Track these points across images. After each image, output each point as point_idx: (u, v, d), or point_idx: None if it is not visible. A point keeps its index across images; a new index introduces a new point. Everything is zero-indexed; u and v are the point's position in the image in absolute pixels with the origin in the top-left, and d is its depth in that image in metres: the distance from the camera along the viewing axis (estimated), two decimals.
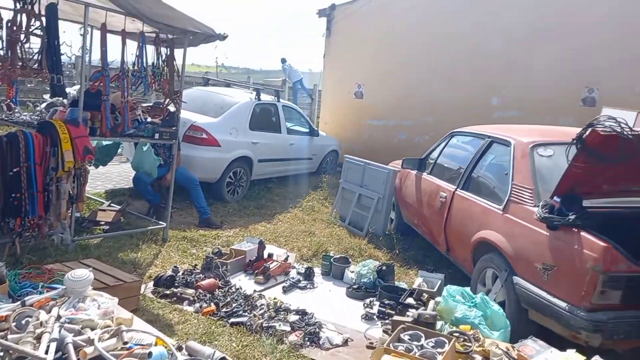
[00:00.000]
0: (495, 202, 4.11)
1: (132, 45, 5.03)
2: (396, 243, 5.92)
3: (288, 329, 3.73)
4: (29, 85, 7.09)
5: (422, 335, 2.15)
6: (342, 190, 7.15)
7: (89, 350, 2.37)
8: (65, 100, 5.86)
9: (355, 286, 4.65)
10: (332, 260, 5.07)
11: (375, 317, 4.10)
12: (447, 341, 2.09)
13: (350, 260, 5.18)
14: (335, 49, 11.28)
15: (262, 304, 4.08)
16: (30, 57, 4.62)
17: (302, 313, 3.99)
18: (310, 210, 7.45)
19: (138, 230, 5.48)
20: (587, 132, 3.10)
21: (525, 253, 3.52)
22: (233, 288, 4.35)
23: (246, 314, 3.91)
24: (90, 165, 5.05)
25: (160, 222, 5.67)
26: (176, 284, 4.25)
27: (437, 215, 5.02)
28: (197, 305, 3.98)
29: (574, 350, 2.64)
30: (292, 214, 7.16)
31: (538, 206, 3.54)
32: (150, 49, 5.18)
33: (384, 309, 4.13)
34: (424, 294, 4.24)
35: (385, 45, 10.36)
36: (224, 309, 3.93)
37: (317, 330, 3.72)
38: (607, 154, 3.11)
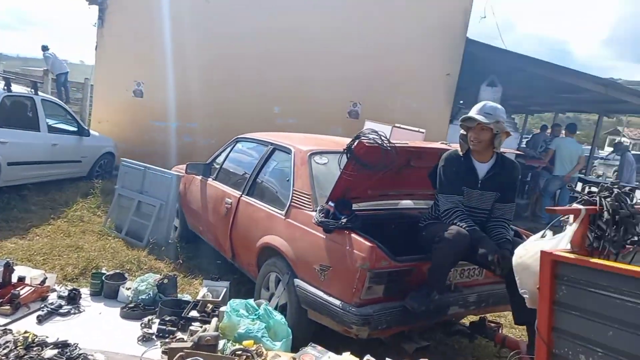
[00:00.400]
0: (278, 207, 4.22)
1: None
2: (180, 252, 5.59)
3: None
4: None
5: None
6: (118, 197, 6.43)
7: None
8: None
9: (131, 305, 4.17)
10: (103, 277, 4.46)
11: (154, 336, 3.73)
12: None
13: (126, 276, 4.64)
14: (109, 42, 10.15)
15: (6, 342, 3.30)
16: None
17: (63, 345, 3.36)
18: (78, 220, 6.48)
19: None
20: (355, 143, 3.41)
21: (305, 256, 3.68)
22: None
23: None
24: None
25: None
26: None
27: (223, 222, 4.91)
28: None
29: (349, 352, 2.83)
30: (55, 226, 6.12)
31: (316, 211, 3.75)
32: None
33: (164, 327, 3.79)
34: (209, 304, 4.07)
35: (164, 42, 9.81)
36: None
37: None
38: (371, 162, 3.47)
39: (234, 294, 4.40)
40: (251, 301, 2.99)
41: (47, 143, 7.31)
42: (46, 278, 4.34)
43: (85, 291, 4.39)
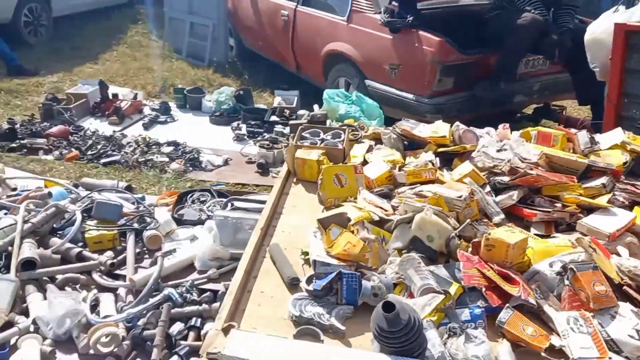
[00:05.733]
0: (338, 13, 4.35)
1: None
2: (242, 69, 5.94)
3: (166, 159, 3.76)
4: None
5: (320, 131, 2.46)
6: (169, 20, 6.56)
7: None
8: None
9: (217, 113, 4.71)
10: (185, 92, 4.94)
11: (245, 137, 4.33)
12: (342, 132, 2.44)
13: (203, 90, 5.11)
14: None
15: (129, 142, 3.95)
16: None
17: (175, 144, 4.00)
18: (138, 45, 6.77)
19: None
20: None
21: (373, 57, 3.96)
22: (88, 132, 4.05)
23: (116, 153, 3.76)
24: None
25: None
26: (19, 136, 3.77)
27: (282, 35, 5.10)
28: (56, 152, 3.66)
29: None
30: (119, 52, 6.47)
31: (379, 13, 3.90)
32: None
33: (252, 129, 4.37)
34: (285, 110, 4.56)
35: None
36: (90, 152, 3.71)
37: (196, 156, 3.82)
38: None
39: (303, 103, 4.84)
40: (342, 90, 3.40)
41: None
42: (137, 94, 4.86)
43: (171, 105, 4.92)
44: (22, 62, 5.46)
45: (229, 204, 2.31)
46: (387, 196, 1.98)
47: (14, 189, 2.36)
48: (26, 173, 2.68)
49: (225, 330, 1.29)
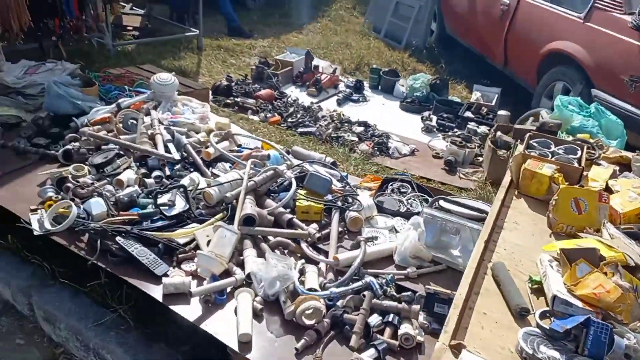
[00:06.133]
0: (575, 9, 3.83)
1: None
2: (439, 56, 5.71)
3: (356, 139, 3.78)
4: None
5: (551, 142, 2.17)
6: None
7: (210, 150, 2.37)
8: None
9: (408, 100, 4.61)
10: (380, 73, 4.92)
11: (435, 129, 4.15)
12: (577, 148, 2.12)
13: (399, 73, 5.03)
14: None
15: (323, 115, 4.07)
16: None
17: (365, 125, 4.01)
18: (340, 20, 6.97)
19: (172, 37, 5.12)
20: None
21: (610, 65, 3.42)
22: (290, 99, 4.28)
23: (311, 124, 3.91)
24: None
25: (193, 30, 5.26)
26: (234, 94, 4.14)
27: (497, 25, 4.73)
28: (262, 114, 3.94)
29: None
30: (322, 24, 6.72)
31: (631, 14, 3.32)
32: None
33: (443, 122, 4.17)
34: (483, 107, 4.25)
35: None
36: (290, 119, 3.91)
37: (385, 140, 3.77)
38: None
39: (503, 102, 4.46)
40: (578, 98, 3.01)
41: None
42: (336, 69, 4.98)
43: (365, 84, 4.94)
44: (241, 24, 5.99)
45: (435, 203, 2.19)
46: (637, 237, 1.67)
47: (239, 145, 2.56)
48: (242, 131, 2.90)
49: (455, 348, 1.19)
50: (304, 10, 7.22)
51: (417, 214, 2.12)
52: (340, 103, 4.49)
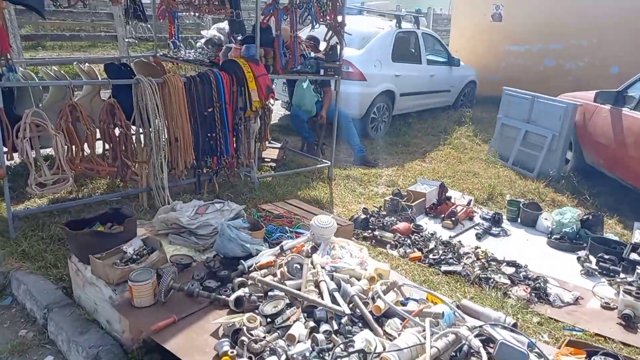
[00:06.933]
0: None
1: None
2: (580, 187, 5.34)
3: (507, 281, 3.47)
4: (186, 22, 6.99)
5: None
6: (501, 126, 6.55)
7: (381, 304, 2.25)
8: (222, 37, 5.72)
9: (556, 236, 4.24)
10: (520, 205, 4.66)
11: (596, 272, 3.70)
12: None
13: (540, 206, 4.73)
14: None
15: (466, 252, 3.84)
16: None
17: (515, 265, 3.69)
18: (462, 147, 6.97)
19: (307, 169, 5.39)
20: None
21: None
22: (427, 233, 4.15)
23: (455, 262, 3.69)
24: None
25: (325, 161, 5.53)
26: (370, 226, 4.11)
27: None
28: (401, 250, 3.82)
29: None
30: (445, 152, 6.74)
31: None
32: None
33: (606, 265, 3.72)
34: None
35: None
36: (431, 256, 3.74)
37: (542, 285, 3.41)
38: None
39: None
40: None
41: (427, 74, 7.96)
42: (471, 200, 4.83)
43: (502, 216, 4.69)
44: (367, 154, 6.21)
45: None
46: None
47: (406, 298, 2.42)
48: (402, 278, 2.78)
49: None
50: (423, 137, 7.38)
51: None
52: (479, 237, 4.25)
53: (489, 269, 3.62)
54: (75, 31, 11.60)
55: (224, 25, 5.92)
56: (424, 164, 6.29)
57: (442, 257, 3.72)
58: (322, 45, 5.59)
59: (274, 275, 2.51)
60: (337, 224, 3.55)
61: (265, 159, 5.59)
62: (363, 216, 4.17)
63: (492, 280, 3.44)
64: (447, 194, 4.88)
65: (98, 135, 3.60)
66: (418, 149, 6.86)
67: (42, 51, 10.45)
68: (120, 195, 4.08)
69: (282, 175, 5.16)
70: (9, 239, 3.34)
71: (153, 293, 2.34)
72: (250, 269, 2.54)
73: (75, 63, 4.78)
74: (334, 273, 2.48)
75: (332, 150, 5.44)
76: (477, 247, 3.95)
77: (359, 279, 2.50)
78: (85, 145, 3.52)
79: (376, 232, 4.00)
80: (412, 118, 8.08)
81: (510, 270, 3.61)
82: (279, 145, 5.89)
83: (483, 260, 3.71)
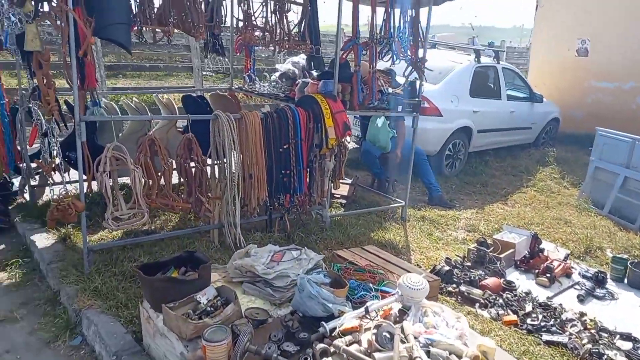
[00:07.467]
0: None
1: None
2: None
3: (624, 359, 2.94)
4: (262, 56, 7.02)
5: None
6: (595, 170, 5.93)
7: None
8: (296, 71, 5.61)
9: None
10: (628, 263, 4.07)
11: None
12: None
13: None
14: None
15: (571, 319, 3.32)
16: (293, 27, 4.35)
17: (632, 339, 3.14)
18: (547, 190, 6.38)
19: (380, 209, 5.08)
20: None
21: None
22: (521, 291, 3.67)
23: (558, 329, 3.19)
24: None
25: (399, 200, 5.19)
26: (455, 280, 3.70)
27: None
28: (492, 310, 3.37)
29: None
30: (529, 195, 6.19)
31: None
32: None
33: None
34: None
35: None
36: (529, 321, 3.26)
37: None
38: None
39: None
40: None
41: (507, 110, 7.49)
42: (568, 254, 4.29)
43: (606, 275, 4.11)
44: (443, 194, 5.80)
45: None
46: None
47: None
48: (508, 357, 2.38)
49: None
50: (503, 177, 6.86)
51: None
52: (582, 300, 3.71)
53: (600, 341, 3.10)
54: (153, 61, 12.16)
55: (299, 59, 5.82)
56: (506, 207, 5.78)
57: (542, 324, 3.24)
58: (399, 79, 5.35)
59: (359, 343, 2.20)
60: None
61: (335, 195, 5.34)
62: (447, 268, 3.76)
63: (605, 356, 2.92)
64: (541, 247, 4.36)
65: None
66: (498, 190, 6.35)
67: (122, 79, 10.99)
68: (192, 230, 3.95)
69: (353, 214, 4.87)
70: (82, 273, 3.26)
71: (228, 355, 2.10)
72: (332, 333, 2.24)
73: (154, 95, 4.81)
74: (430, 348, 2.13)
75: (407, 189, 5.10)
76: (582, 314, 3.42)
77: (459, 357, 2.13)
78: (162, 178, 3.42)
79: (462, 288, 3.58)
80: (489, 156, 7.59)
81: (627, 345, 3.07)
82: (349, 180, 5.63)
83: (593, 331, 3.19)
